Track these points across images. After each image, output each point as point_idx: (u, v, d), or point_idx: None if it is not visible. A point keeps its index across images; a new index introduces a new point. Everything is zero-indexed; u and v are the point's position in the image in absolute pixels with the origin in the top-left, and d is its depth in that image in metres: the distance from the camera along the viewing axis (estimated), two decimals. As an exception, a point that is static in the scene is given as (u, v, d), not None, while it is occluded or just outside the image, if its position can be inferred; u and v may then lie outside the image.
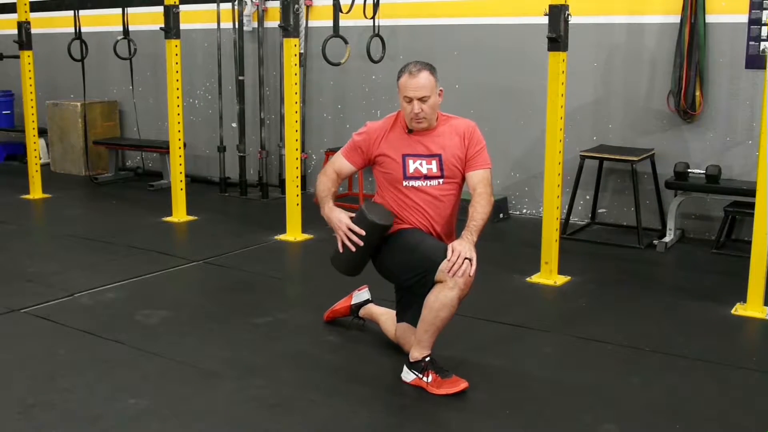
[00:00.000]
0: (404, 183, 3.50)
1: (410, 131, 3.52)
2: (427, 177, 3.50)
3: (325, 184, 3.62)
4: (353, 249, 3.44)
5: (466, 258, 3.20)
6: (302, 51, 7.15)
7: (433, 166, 3.50)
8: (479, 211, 3.41)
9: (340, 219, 3.48)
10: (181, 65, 6.41)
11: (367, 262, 3.58)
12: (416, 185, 3.50)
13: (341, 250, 3.49)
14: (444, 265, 3.22)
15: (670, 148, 5.90)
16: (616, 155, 5.83)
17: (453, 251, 3.21)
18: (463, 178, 3.57)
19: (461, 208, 3.66)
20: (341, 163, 3.65)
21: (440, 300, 3.27)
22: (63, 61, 8.23)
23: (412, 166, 3.49)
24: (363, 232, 3.41)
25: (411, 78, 3.42)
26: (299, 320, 4.25)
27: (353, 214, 3.51)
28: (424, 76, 3.42)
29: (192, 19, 7.67)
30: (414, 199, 3.51)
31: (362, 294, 4.05)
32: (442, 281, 3.25)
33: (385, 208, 3.53)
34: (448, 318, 3.32)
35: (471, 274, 3.22)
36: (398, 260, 3.44)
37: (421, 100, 3.41)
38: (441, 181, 3.51)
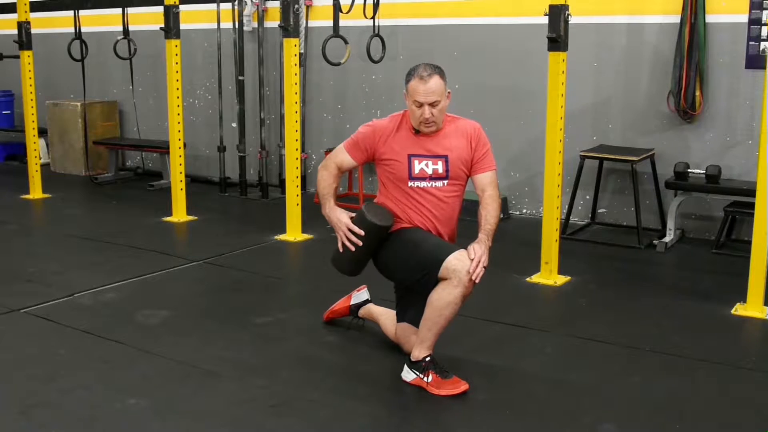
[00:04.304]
0: (409, 183, 3.50)
1: (417, 132, 3.52)
2: (432, 178, 3.50)
3: (326, 180, 3.61)
4: (353, 249, 3.46)
5: (484, 266, 3.24)
6: (302, 51, 7.15)
7: (439, 167, 3.49)
8: (492, 215, 3.44)
9: (340, 219, 3.49)
10: (181, 65, 6.41)
11: (367, 262, 3.58)
12: (421, 186, 3.50)
13: (341, 250, 3.51)
14: (450, 264, 3.23)
15: (670, 148, 5.90)
16: (616, 155, 5.83)
17: (476, 253, 3.23)
18: (467, 180, 3.58)
19: (464, 208, 3.66)
20: (343, 157, 3.62)
21: (444, 298, 3.27)
22: (63, 61, 8.23)
23: (418, 166, 3.49)
24: (362, 233, 3.43)
25: (422, 83, 3.39)
26: (299, 320, 4.25)
27: (353, 214, 3.51)
28: (435, 81, 3.40)
29: (192, 19, 7.67)
30: (418, 199, 3.51)
31: (361, 294, 4.04)
32: (446, 279, 3.25)
33: (386, 209, 3.53)
34: (452, 316, 3.32)
35: (477, 281, 3.25)
36: (400, 259, 3.44)
37: (432, 105, 3.40)
38: (446, 182, 3.51)
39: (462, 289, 3.24)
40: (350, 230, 3.44)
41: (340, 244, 3.50)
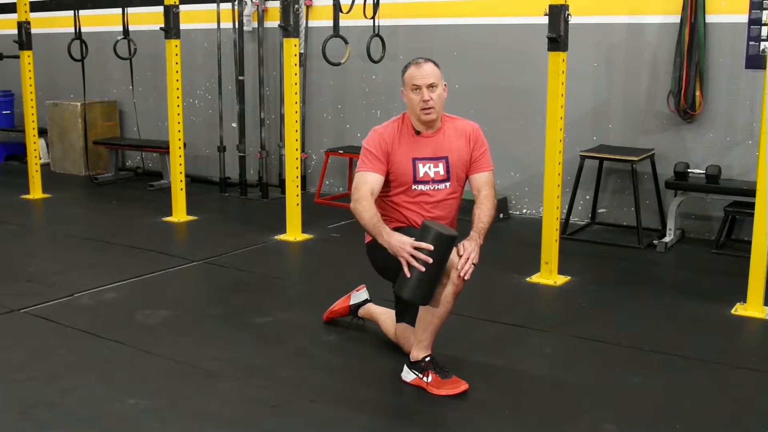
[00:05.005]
0: (413, 187, 3.50)
1: (417, 133, 3.52)
2: (435, 181, 3.50)
3: (369, 212, 3.35)
4: (422, 269, 3.16)
5: (473, 263, 3.23)
6: (302, 51, 7.15)
7: (441, 169, 3.50)
8: (486, 214, 3.44)
9: (402, 240, 3.21)
10: (181, 65, 6.41)
11: (439, 284, 3.26)
12: (424, 189, 3.50)
13: (408, 274, 3.19)
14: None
15: (670, 148, 5.90)
16: (616, 155, 5.83)
17: (465, 250, 3.23)
18: (466, 179, 3.59)
19: (462, 208, 3.67)
20: (370, 179, 3.43)
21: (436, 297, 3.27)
22: (63, 61, 8.23)
23: (422, 170, 3.49)
24: (431, 247, 3.15)
25: (418, 68, 3.45)
26: (299, 320, 4.25)
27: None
28: (430, 66, 3.46)
29: (192, 19, 7.67)
30: (419, 202, 3.51)
31: (361, 294, 4.04)
32: None
33: (444, 224, 3.41)
34: (445, 314, 3.33)
35: (467, 278, 3.25)
36: (394, 259, 3.43)
37: (430, 87, 3.41)
38: (447, 184, 3.52)
39: (452, 287, 3.25)
40: (416, 248, 3.17)
41: (406, 269, 3.18)
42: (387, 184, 3.55)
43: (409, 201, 3.51)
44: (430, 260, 3.15)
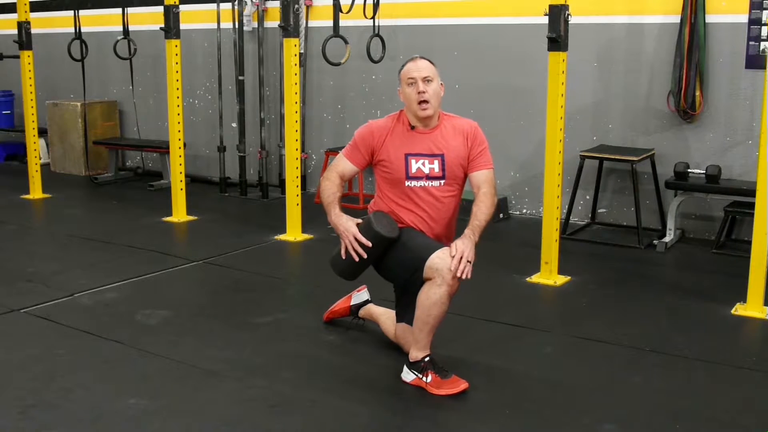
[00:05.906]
0: (406, 183, 3.49)
1: (413, 128, 3.52)
2: (429, 177, 3.49)
3: (329, 189, 3.57)
4: (357, 258, 3.42)
5: (468, 261, 3.22)
6: (302, 51, 7.15)
7: (435, 166, 3.49)
8: (483, 211, 3.42)
9: (347, 228, 3.43)
10: (181, 65, 6.41)
11: (366, 269, 3.54)
12: (418, 185, 3.49)
13: (344, 257, 3.47)
14: (432, 262, 3.24)
15: (670, 148, 5.90)
16: (616, 155, 5.83)
17: (457, 250, 3.22)
18: (465, 179, 3.58)
19: (462, 208, 3.66)
20: (344, 164, 3.61)
21: (430, 298, 3.28)
22: (63, 61, 8.24)
23: (415, 165, 3.48)
24: (369, 244, 3.38)
25: (413, 63, 3.51)
26: (299, 320, 4.25)
27: (360, 220, 3.48)
28: (425, 61, 3.51)
29: (192, 19, 7.67)
30: (414, 199, 3.50)
31: (361, 294, 4.04)
32: (430, 278, 3.26)
33: (392, 218, 3.50)
34: (441, 315, 3.32)
35: (468, 277, 3.23)
36: (391, 258, 3.45)
37: (425, 80, 3.43)
38: (442, 182, 3.51)
39: (446, 288, 3.24)
40: (357, 240, 3.40)
41: (343, 251, 3.46)
42: (383, 181, 3.56)
43: (405, 199, 3.51)
44: (365, 255, 3.40)
